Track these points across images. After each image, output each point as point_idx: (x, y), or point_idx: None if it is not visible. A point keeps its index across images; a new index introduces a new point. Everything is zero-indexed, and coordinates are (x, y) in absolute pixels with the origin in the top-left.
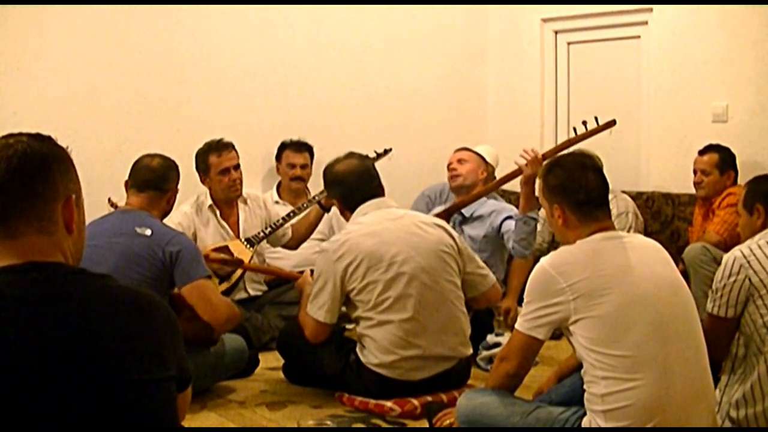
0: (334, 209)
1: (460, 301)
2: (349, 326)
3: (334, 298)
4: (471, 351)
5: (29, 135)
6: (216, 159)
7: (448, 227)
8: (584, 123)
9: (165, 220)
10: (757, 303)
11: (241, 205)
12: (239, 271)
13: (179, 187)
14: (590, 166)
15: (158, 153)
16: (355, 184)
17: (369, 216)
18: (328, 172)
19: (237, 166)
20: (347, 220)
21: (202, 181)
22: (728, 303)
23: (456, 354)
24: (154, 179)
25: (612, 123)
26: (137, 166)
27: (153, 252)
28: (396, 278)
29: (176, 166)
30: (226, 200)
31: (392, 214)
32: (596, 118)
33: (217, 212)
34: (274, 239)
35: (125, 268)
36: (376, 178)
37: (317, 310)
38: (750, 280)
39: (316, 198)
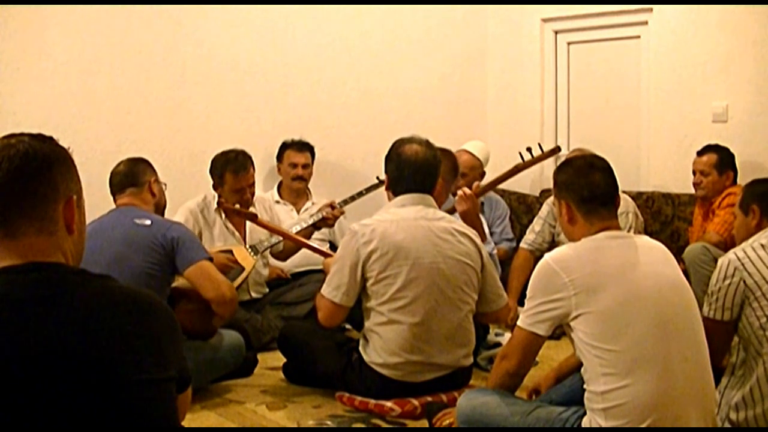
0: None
1: (471, 314)
2: (349, 326)
3: (352, 281)
4: (472, 361)
5: (30, 135)
6: (232, 178)
7: (479, 241)
8: (529, 149)
9: (173, 217)
10: (753, 305)
11: None
12: (242, 278)
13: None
14: (599, 166)
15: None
16: (410, 173)
17: (404, 210)
18: (394, 148)
19: (252, 184)
20: (389, 198)
21: (214, 188)
22: (724, 306)
23: (458, 365)
24: (126, 178)
25: (556, 150)
26: (110, 177)
27: (154, 238)
28: (416, 279)
29: (144, 161)
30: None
31: (430, 214)
32: (540, 145)
33: (223, 215)
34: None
35: (126, 257)
36: (432, 176)
37: (333, 290)
38: (745, 282)
39: (311, 222)
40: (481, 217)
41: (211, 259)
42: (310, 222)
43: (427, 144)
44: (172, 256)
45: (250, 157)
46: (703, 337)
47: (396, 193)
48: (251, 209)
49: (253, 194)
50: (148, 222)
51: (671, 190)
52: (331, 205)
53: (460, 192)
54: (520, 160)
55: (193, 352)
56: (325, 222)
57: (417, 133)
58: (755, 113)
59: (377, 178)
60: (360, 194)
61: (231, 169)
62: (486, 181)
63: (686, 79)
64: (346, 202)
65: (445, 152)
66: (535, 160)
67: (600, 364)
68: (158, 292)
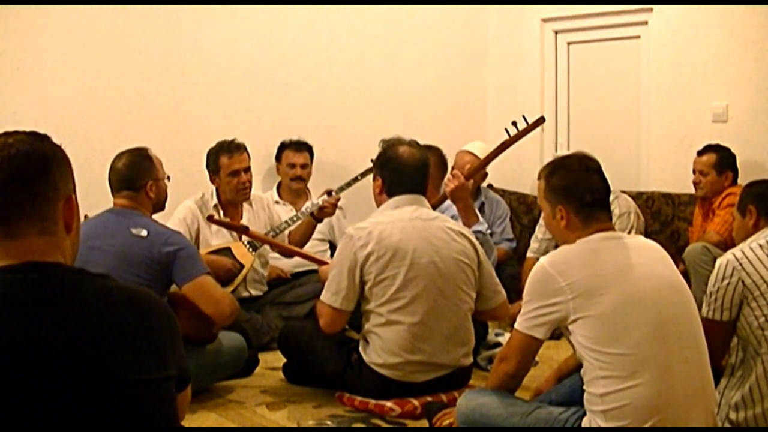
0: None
1: (470, 313)
2: (346, 326)
3: (351, 285)
4: (472, 361)
5: (27, 134)
6: (227, 160)
7: (474, 239)
8: (514, 123)
9: (171, 217)
10: (752, 305)
11: (245, 206)
12: (241, 276)
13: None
14: (594, 168)
15: (127, 150)
16: (407, 174)
17: (399, 211)
18: (388, 151)
19: (247, 169)
20: (380, 203)
21: (211, 180)
22: (723, 306)
23: (457, 364)
24: (123, 180)
25: (541, 120)
26: (109, 174)
27: (149, 253)
28: (414, 279)
29: (145, 158)
30: (234, 201)
31: (424, 214)
32: (524, 117)
33: (221, 212)
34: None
35: (120, 270)
36: (426, 176)
37: (332, 295)
38: (743, 282)
39: (309, 209)
40: (479, 215)
41: (209, 273)
42: (308, 213)
43: (417, 144)
44: (168, 270)
45: (244, 144)
46: (702, 337)
47: (392, 195)
48: (250, 204)
49: (250, 182)
50: (144, 233)
51: (671, 190)
52: (328, 192)
53: (448, 175)
54: (507, 136)
55: (196, 356)
56: (323, 211)
57: (417, 134)
58: (755, 113)
59: (372, 161)
60: (356, 179)
61: (225, 151)
62: (488, 180)
63: (686, 79)
64: (342, 188)
65: (432, 149)
66: (521, 134)
67: (599, 366)
68: None
